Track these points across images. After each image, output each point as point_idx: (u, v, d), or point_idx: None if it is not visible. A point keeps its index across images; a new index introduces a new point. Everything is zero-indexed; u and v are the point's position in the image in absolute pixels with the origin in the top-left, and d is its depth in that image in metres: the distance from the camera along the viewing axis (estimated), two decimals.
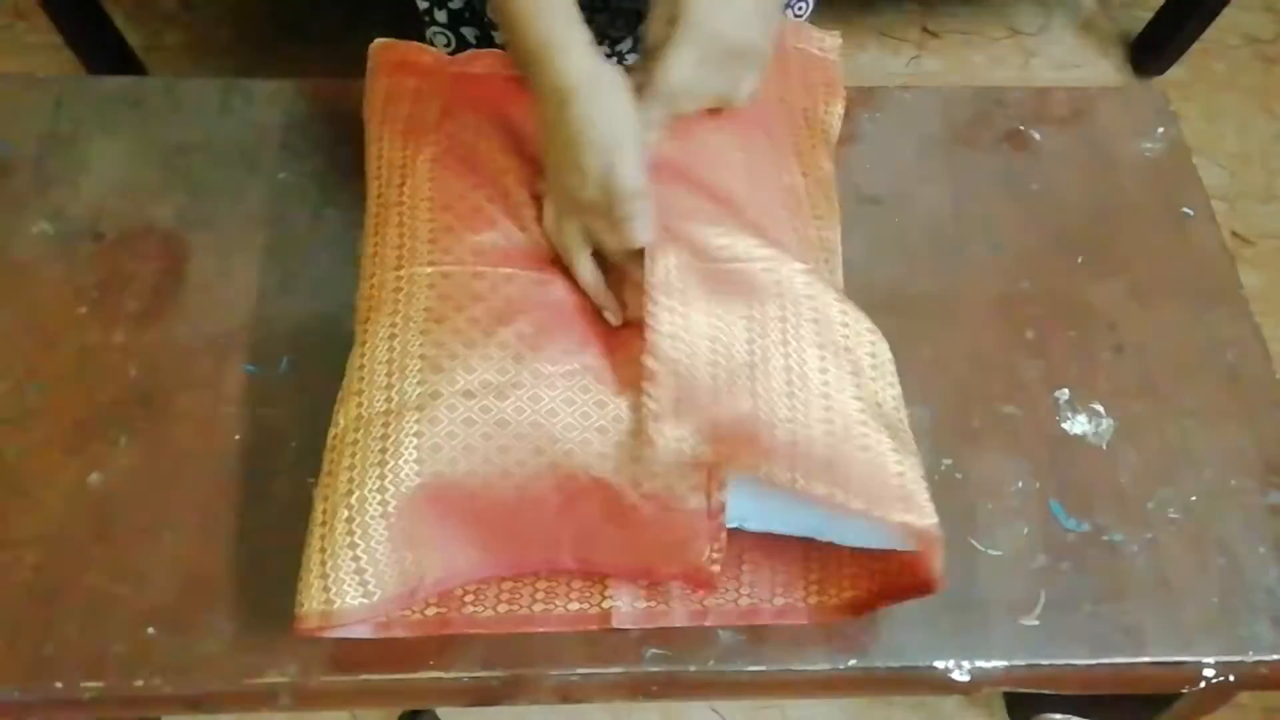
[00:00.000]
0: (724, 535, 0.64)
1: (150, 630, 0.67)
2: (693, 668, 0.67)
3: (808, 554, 0.70)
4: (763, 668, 0.67)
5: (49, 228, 0.83)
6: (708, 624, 0.68)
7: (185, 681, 0.65)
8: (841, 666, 0.67)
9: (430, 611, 0.67)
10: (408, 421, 0.62)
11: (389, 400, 0.64)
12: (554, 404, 0.63)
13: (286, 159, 0.88)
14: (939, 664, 0.68)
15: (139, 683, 0.65)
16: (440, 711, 1.21)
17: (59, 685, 0.65)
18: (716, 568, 0.64)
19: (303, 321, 0.79)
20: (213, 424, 0.75)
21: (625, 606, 0.68)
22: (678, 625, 0.68)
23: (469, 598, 0.68)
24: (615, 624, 0.67)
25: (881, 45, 1.92)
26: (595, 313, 0.69)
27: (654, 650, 0.67)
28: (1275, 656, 0.68)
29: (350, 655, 0.66)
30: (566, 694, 0.68)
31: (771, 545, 0.70)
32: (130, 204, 0.85)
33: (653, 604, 0.68)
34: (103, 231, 0.83)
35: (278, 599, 0.64)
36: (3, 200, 0.85)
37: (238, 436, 0.74)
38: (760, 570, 0.70)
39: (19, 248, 0.82)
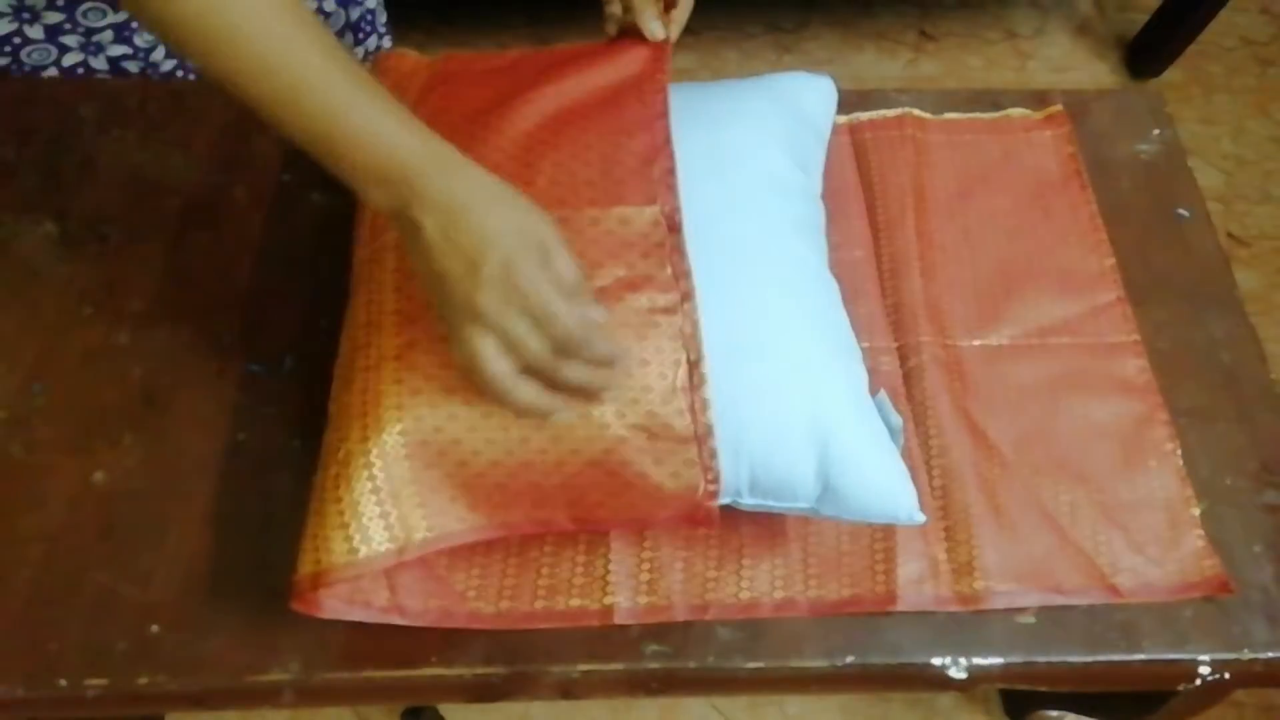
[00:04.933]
0: (718, 465, 0.64)
1: (154, 628, 0.67)
2: (692, 664, 0.68)
3: (806, 549, 0.71)
4: (761, 664, 0.68)
5: (54, 228, 0.84)
6: (708, 618, 0.68)
7: (189, 679, 0.66)
8: (839, 663, 0.68)
9: (432, 603, 0.68)
10: (387, 370, 0.63)
11: (368, 357, 0.65)
12: None
13: (290, 159, 0.88)
14: (936, 661, 0.68)
15: (143, 680, 0.65)
16: (442, 708, 1.21)
17: (63, 683, 0.65)
18: (714, 503, 0.65)
19: (306, 321, 0.80)
20: (216, 423, 0.75)
21: (626, 603, 0.68)
22: (679, 620, 0.68)
23: (471, 593, 0.68)
24: (617, 620, 0.68)
25: (879, 48, 1.93)
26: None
27: (654, 647, 0.68)
28: (1270, 654, 0.69)
29: (353, 652, 0.67)
30: (567, 690, 0.68)
31: (773, 539, 0.71)
32: (134, 205, 0.85)
33: (654, 599, 0.69)
34: (107, 233, 0.84)
35: (281, 597, 0.64)
36: (8, 201, 0.85)
37: (241, 436, 0.75)
38: (760, 564, 0.70)
39: (24, 248, 0.83)
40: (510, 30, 1.90)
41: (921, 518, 0.67)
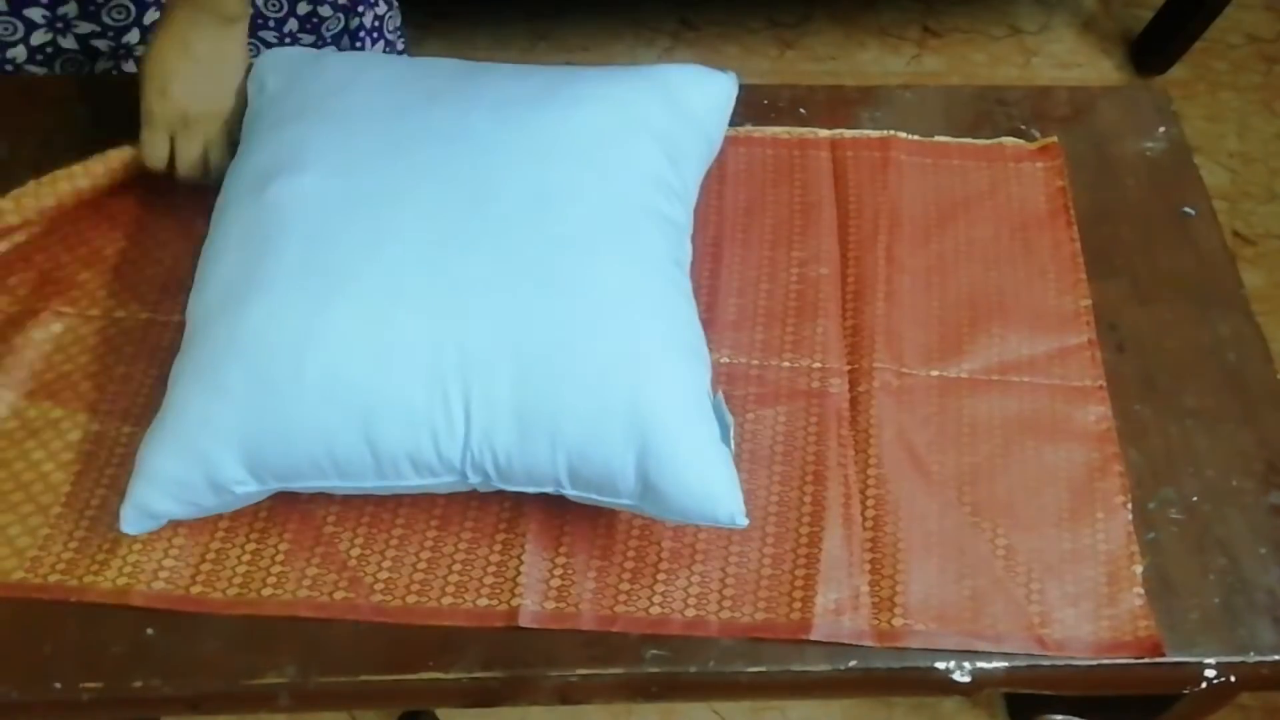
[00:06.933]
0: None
1: (149, 630, 0.67)
2: (693, 669, 0.67)
3: (726, 570, 0.70)
4: (763, 668, 0.67)
5: None
6: (615, 630, 0.67)
7: (184, 682, 0.65)
8: (842, 667, 0.67)
9: (338, 595, 0.68)
10: None
11: None
12: None
13: None
14: (940, 665, 0.68)
15: (138, 683, 0.65)
16: (439, 712, 1.21)
17: (57, 686, 0.65)
18: None
19: None
20: None
21: (533, 606, 0.68)
22: (585, 629, 0.67)
23: (379, 585, 0.68)
24: (521, 622, 0.67)
25: (882, 44, 1.92)
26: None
27: (654, 651, 0.67)
28: (1277, 657, 0.68)
29: (349, 656, 0.66)
30: (566, 695, 0.68)
31: (692, 557, 0.70)
32: None
33: (561, 605, 0.68)
34: None
35: None
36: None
37: None
38: (675, 580, 0.69)
39: None
40: (508, 27, 1.90)
41: (744, 521, 0.65)
